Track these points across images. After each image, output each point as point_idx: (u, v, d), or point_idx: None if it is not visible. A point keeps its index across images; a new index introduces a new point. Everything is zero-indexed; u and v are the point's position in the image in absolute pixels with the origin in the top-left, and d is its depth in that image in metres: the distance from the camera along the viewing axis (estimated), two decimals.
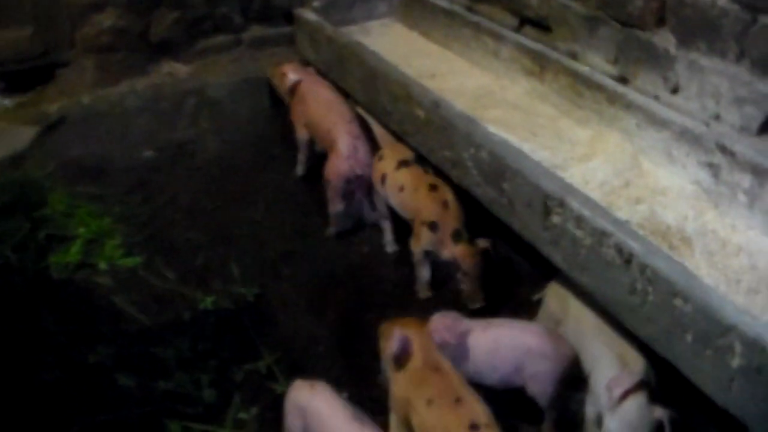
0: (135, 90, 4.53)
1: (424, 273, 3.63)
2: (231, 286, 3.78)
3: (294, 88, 4.29)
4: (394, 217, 3.93)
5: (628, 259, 2.32)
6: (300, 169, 4.47)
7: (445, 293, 3.49)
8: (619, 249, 2.34)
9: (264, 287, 3.79)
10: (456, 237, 3.38)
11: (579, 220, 2.48)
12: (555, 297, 3.08)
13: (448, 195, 3.53)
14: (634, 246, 2.30)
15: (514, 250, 3.66)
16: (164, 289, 3.76)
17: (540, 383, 2.84)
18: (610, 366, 2.67)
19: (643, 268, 2.26)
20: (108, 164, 4.49)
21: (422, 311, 3.21)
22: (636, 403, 2.50)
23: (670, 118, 2.83)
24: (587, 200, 2.51)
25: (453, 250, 3.36)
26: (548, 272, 3.19)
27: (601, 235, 2.41)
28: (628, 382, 2.52)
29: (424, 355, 2.69)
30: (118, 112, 4.52)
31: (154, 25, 4.71)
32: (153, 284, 3.78)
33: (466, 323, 2.99)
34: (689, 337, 2.16)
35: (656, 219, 2.62)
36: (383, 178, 3.79)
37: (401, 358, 2.70)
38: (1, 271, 3.74)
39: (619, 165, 2.90)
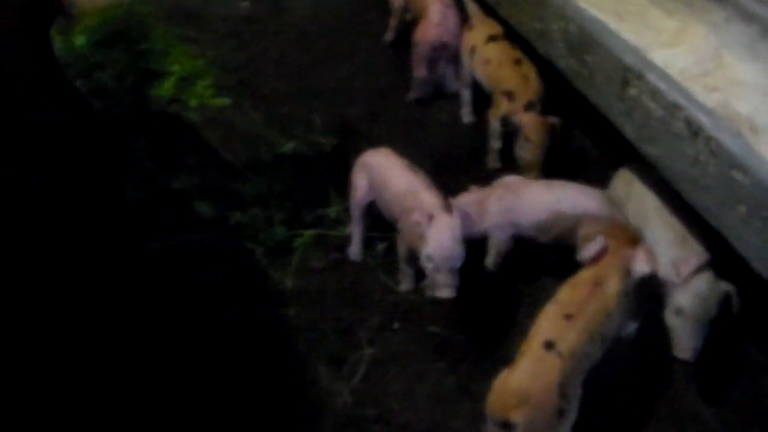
0: None
1: (496, 144, 3.77)
2: (311, 135, 3.96)
3: None
4: (475, 90, 4.05)
5: (696, 132, 2.44)
6: (390, 35, 4.57)
7: (514, 166, 3.60)
8: (689, 122, 2.46)
9: (342, 140, 3.96)
10: (528, 107, 3.51)
11: (654, 93, 2.59)
12: (621, 181, 3.22)
13: (531, 70, 3.65)
14: (703, 119, 2.42)
15: (589, 137, 3.79)
16: (248, 130, 3.97)
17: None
18: (672, 244, 2.84)
19: (708, 140, 2.38)
20: (206, 10, 4.66)
21: (489, 179, 3.38)
22: (705, 278, 2.67)
23: (761, 13, 2.87)
24: (664, 75, 2.62)
25: (522, 117, 3.49)
26: (616, 162, 3.33)
27: (673, 108, 2.52)
28: (696, 259, 2.68)
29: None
30: None
31: None
32: (238, 125, 3.99)
33: (530, 183, 3.18)
34: (743, 209, 2.29)
35: (728, 106, 2.69)
36: (472, 50, 3.90)
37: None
38: (101, 96, 3.96)
39: (701, 55, 2.96)
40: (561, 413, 2.45)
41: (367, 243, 3.43)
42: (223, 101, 4.11)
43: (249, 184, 3.66)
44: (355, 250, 3.42)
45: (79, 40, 4.15)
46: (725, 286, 2.66)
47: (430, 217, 2.82)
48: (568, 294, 2.69)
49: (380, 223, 3.36)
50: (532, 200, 3.15)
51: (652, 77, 2.62)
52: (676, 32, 3.09)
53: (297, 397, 2.86)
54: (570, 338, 2.53)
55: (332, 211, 3.58)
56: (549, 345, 2.50)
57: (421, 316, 3.19)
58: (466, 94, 4.10)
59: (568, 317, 2.57)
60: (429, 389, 2.93)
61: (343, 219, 3.53)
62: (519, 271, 3.32)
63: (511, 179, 3.28)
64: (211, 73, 4.25)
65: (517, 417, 2.43)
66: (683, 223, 2.85)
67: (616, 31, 2.99)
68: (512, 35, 3.74)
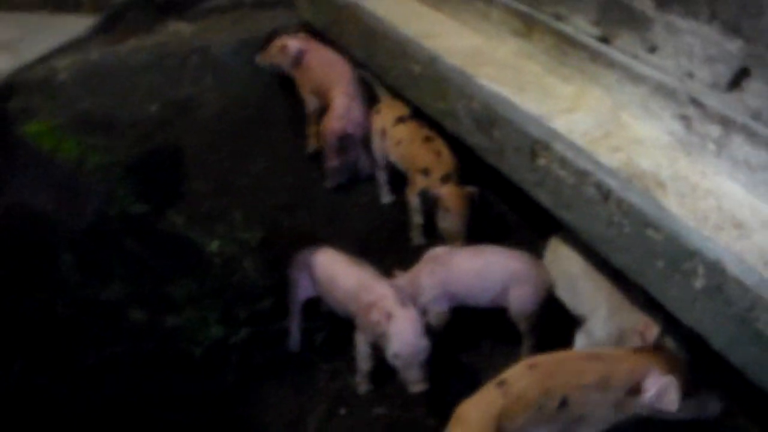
0: (142, 47, 4.68)
1: (418, 220, 3.87)
2: (235, 231, 3.99)
3: (299, 57, 4.47)
4: (391, 170, 4.16)
5: (606, 195, 2.58)
6: (311, 146, 4.61)
7: (439, 241, 3.68)
8: (598, 186, 2.60)
9: (266, 233, 4.00)
10: (444, 179, 3.63)
11: (563, 162, 2.74)
12: (551, 252, 3.35)
13: (441, 146, 3.78)
14: (611, 183, 2.57)
15: (508, 207, 3.93)
16: (172, 233, 3.96)
17: (522, 304, 3.16)
18: (606, 309, 2.97)
19: (620, 202, 2.52)
20: (116, 118, 4.65)
21: (416, 254, 3.46)
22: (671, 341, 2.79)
23: (647, 75, 3.05)
24: (570, 144, 2.77)
25: (439, 190, 3.60)
26: (536, 226, 3.46)
27: (582, 174, 2.67)
28: (656, 324, 2.78)
29: None
30: (125, 68, 4.67)
31: None
32: (161, 229, 3.97)
33: (457, 252, 3.28)
34: (660, 263, 2.43)
35: (633, 165, 2.85)
36: (383, 132, 4.03)
37: None
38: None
39: (600, 117, 3.13)
40: None
41: (305, 334, 3.47)
42: (143, 207, 4.09)
43: (179, 286, 3.66)
44: (293, 342, 3.45)
45: None
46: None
47: (389, 316, 2.87)
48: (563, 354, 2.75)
49: (315, 313, 3.45)
50: (462, 268, 3.26)
51: (558, 146, 2.77)
52: (573, 97, 3.26)
53: None
54: (522, 382, 2.57)
55: (265, 305, 3.60)
56: (500, 383, 2.57)
57: (367, 400, 3.22)
58: (382, 176, 4.21)
59: (530, 367, 2.62)
60: None
61: (276, 312, 3.54)
62: (458, 341, 3.39)
63: (438, 251, 3.38)
64: (128, 180, 4.24)
65: None
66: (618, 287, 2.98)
67: (519, 103, 3.15)
68: (421, 114, 3.86)
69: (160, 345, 3.41)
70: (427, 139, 3.83)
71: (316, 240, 3.79)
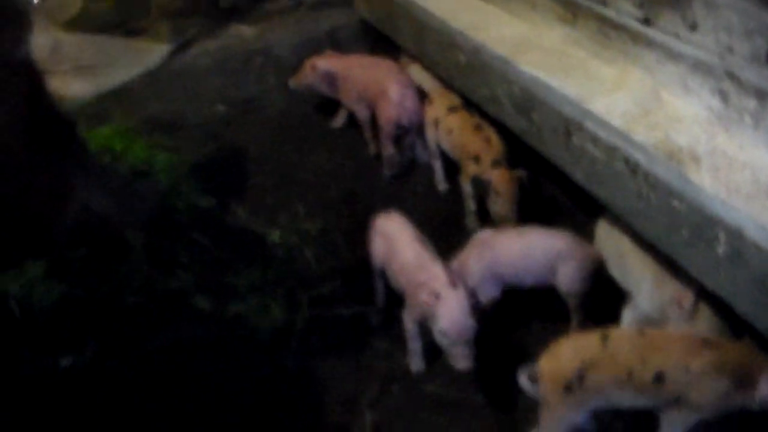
0: (207, 51, 4.89)
1: (472, 206, 3.96)
2: (296, 222, 4.14)
3: (330, 75, 4.63)
4: (445, 159, 4.26)
5: (633, 169, 2.63)
6: (373, 148, 4.73)
7: (492, 225, 3.75)
8: (627, 161, 2.66)
9: (326, 223, 4.15)
10: (495, 164, 3.72)
11: (595, 139, 2.80)
12: (601, 233, 3.41)
13: (491, 133, 3.88)
14: (639, 157, 2.62)
15: (561, 190, 3.99)
16: (236, 225, 4.14)
17: (568, 282, 3.23)
18: (652, 283, 3.02)
19: (647, 175, 2.58)
20: (183, 119, 4.88)
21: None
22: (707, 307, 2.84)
23: (687, 53, 3.08)
24: (601, 122, 2.83)
25: (490, 173, 3.69)
26: (587, 210, 3.52)
27: (612, 150, 2.73)
28: (693, 292, 2.83)
29: None
30: (191, 72, 4.89)
31: None
32: (226, 221, 4.16)
33: (502, 233, 3.39)
34: (685, 232, 2.48)
35: (670, 142, 2.88)
36: (436, 122, 4.14)
37: None
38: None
39: (640, 97, 3.16)
40: (569, 388, 2.65)
41: (361, 318, 3.60)
42: (209, 201, 4.28)
43: (242, 275, 3.81)
44: (380, 300, 3.62)
45: None
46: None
47: (437, 296, 2.97)
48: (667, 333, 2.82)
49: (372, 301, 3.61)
50: (507, 250, 3.35)
51: (590, 125, 2.84)
52: (615, 78, 3.30)
53: None
54: (623, 344, 2.67)
55: (324, 291, 3.73)
56: (605, 336, 2.69)
57: (418, 378, 3.33)
58: (437, 165, 4.32)
59: (642, 334, 2.72)
60: None
61: (336, 296, 3.69)
62: (506, 323, 3.48)
63: (485, 234, 3.47)
64: (195, 176, 4.43)
65: (542, 361, 2.72)
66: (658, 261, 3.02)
67: (562, 87, 3.21)
68: (469, 104, 3.96)
69: (224, 330, 3.57)
70: (477, 127, 3.94)
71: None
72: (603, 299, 3.31)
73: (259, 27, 5.13)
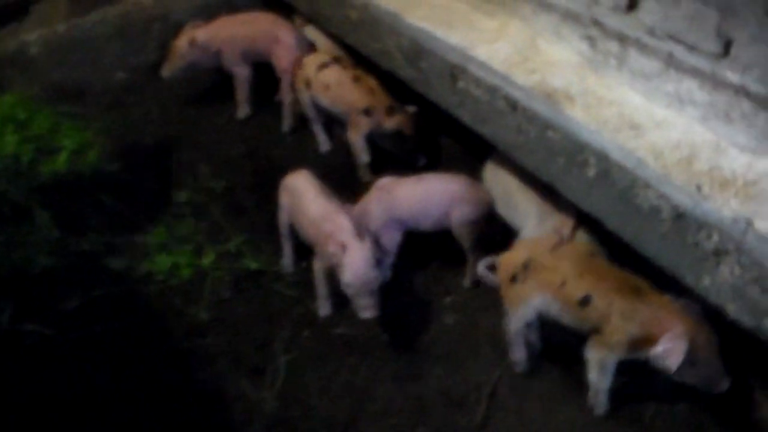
0: (106, 18, 4.91)
1: (365, 158, 4.14)
2: (202, 181, 4.27)
3: (211, 45, 4.68)
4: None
5: (513, 106, 2.89)
6: (243, 110, 4.87)
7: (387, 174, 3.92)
8: (507, 99, 2.91)
9: (231, 181, 4.30)
10: (390, 111, 3.94)
11: (477, 81, 3.05)
12: (488, 174, 3.67)
13: (372, 82, 4.07)
14: (517, 94, 2.88)
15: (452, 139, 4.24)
16: (143, 187, 4.23)
17: (464, 224, 3.44)
18: (536, 216, 3.28)
19: (525, 110, 2.84)
20: (86, 86, 4.91)
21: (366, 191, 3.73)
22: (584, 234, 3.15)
23: (558, 3, 3.33)
24: (482, 65, 3.08)
25: (393, 122, 3.92)
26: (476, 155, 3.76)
27: (493, 90, 2.98)
28: (571, 219, 3.14)
29: None
30: (91, 39, 4.92)
31: None
32: (132, 183, 4.25)
33: (401, 180, 3.58)
34: (561, 160, 2.74)
35: (546, 84, 3.14)
36: (307, 83, 4.27)
37: None
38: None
39: (519, 45, 3.41)
40: (513, 277, 2.96)
41: (269, 269, 3.78)
42: (115, 165, 4.36)
43: (151, 234, 3.94)
44: (287, 263, 3.76)
45: None
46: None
47: (344, 247, 3.14)
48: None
49: (279, 253, 3.77)
50: (406, 194, 3.55)
51: (473, 68, 3.08)
52: (496, 30, 3.55)
53: (226, 411, 3.15)
54: (569, 254, 2.94)
55: (232, 246, 3.88)
56: (559, 242, 3.03)
57: (327, 322, 3.53)
58: (316, 127, 4.48)
59: (592, 256, 2.99)
60: (344, 382, 3.26)
61: (243, 251, 3.85)
62: (408, 265, 3.70)
63: (384, 181, 3.66)
64: (99, 142, 4.49)
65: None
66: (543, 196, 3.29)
67: (447, 37, 3.44)
68: (361, 58, 4.14)
69: (136, 288, 3.70)
70: (356, 79, 4.11)
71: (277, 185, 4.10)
72: (494, 239, 3.55)
73: None
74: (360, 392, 3.22)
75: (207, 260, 3.82)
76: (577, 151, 2.66)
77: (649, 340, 2.67)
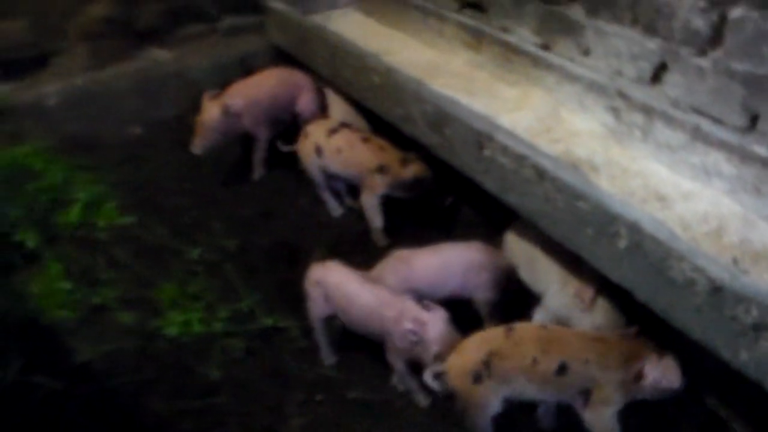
0: (123, 73, 4.96)
1: (378, 222, 4.15)
2: (215, 239, 4.25)
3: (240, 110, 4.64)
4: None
5: (541, 175, 2.91)
6: (258, 171, 4.89)
7: (402, 239, 3.98)
8: (535, 167, 2.94)
9: (244, 240, 4.28)
10: (404, 162, 3.98)
11: (504, 150, 3.07)
12: (509, 244, 3.66)
13: (380, 141, 4.11)
14: (546, 163, 2.90)
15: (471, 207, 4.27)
16: (156, 243, 4.21)
17: (483, 291, 3.43)
18: (558, 282, 3.28)
19: (553, 180, 2.85)
20: (101, 140, 4.92)
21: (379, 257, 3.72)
22: (604, 301, 3.11)
23: (582, 74, 3.40)
24: (510, 134, 3.11)
25: (410, 171, 3.96)
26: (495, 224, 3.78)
27: (521, 158, 3.00)
28: (593, 286, 3.10)
29: None
30: (109, 93, 4.95)
31: (141, 15, 5.13)
32: (146, 239, 4.23)
33: (418, 251, 3.56)
34: (590, 230, 2.75)
35: (571, 154, 3.19)
36: (318, 150, 4.27)
37: None
38: (13, 227, 4.17)
39: (542, 114, 3.47)
40: (477, 378, 2.83)
41: (281, 330, 3.74)
42: (129, 219, 4.36)
43: (163, 290, 3.90)
44: (326, 356, 3.61)
45: None
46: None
47: (421, 322, 3.07)
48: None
49: (292, 313, 3.75)
50: (423, 265, 3.52)
51: (500, 137, 3.11)
52: (518, 98, 3.60)
53: None
54: (528, 334, 2.90)
55: (244, 306, 3.85)
56: (509, 328, 2.91)
57: (341, 386, 3.48)
58: (326, 194, 4.47)
59: (544, 328, 2.97)
60: None
61: (255, 311, 3.82)
62: None
63: (400, 252, 3.63)
64: (114, 195, 4.49)
65: (449, 357, 2.91)
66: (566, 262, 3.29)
67: (467, 104, 3.48)
68: (383, 123, 4.18)
69: (146, 343, 3.65)
70: (366, 140, 4.15)
71: (291, 247, 4.11)
72: (515, 305, 3.53)
73: (174, 51, 5.21)
74: None
75: (219, 318, 3.78)
76: (608, 222, 2.67)
77: (637, 377, 2.76)
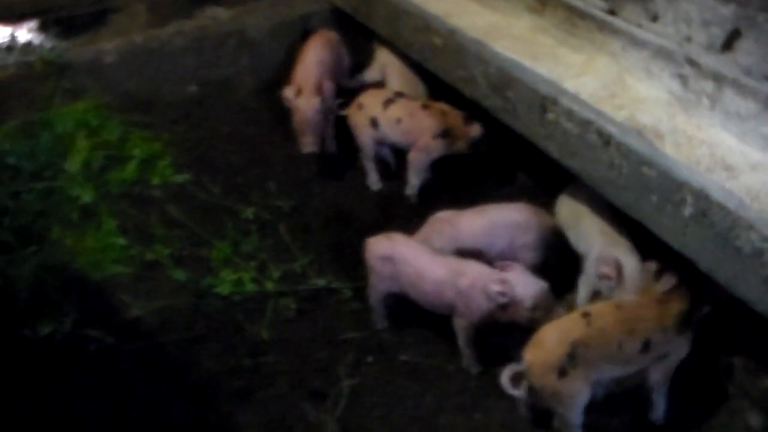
0: (182, 31, 4.95)
1: (419, 181, 4.24)
2: (269, 199, 4.27)
3: None
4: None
5: (607, 140, 2.84)
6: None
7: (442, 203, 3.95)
8: (600, 133, 2.87)
9: (299, 201, 4.28)
10: (466, 121, 4.01)
11: (569, 114, 3.01)
12: (561, 207, 3.64)
13: (441, 105, 4.11)
14: (612, 129, 2.83)
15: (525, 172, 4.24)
16: (210, 201, 4.25)
17: (528, 251, 3.42)
18: (601, 248, 3.23)
19: (619, 146, 2.78)
20: (157, 98, 4.93)
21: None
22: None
23: (649, 40, 3.29)
24: (575, 97, 3.04)
25: (475, 130, 4.04)
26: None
27: (586, 123, 2.93)
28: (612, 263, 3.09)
29: None
30: (166, 51, 4.95)
31: None
32: (200, 197, 4.27)
33: (463, 212, 3.55)
34: (654, 197, 2.68)
35: (635, 120, 3.08)
36: (374, 122, 4.23)
37: None
38: (69, 186, 4.21)
39: (606, 80, 3.36)
40: (562, 371, 2.75)
41: (333, 292, 3.74)
42: (183, 177, 4.39)
43: (216, 249, 3.92)
44: (379, 318, 3.59)
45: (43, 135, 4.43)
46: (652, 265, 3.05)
47: (504, 282, 3.06)
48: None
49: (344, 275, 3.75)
50: (469, 226, 3.52)
51: (565, 101, 3.04)
52: (582, 64, 3.50)
53: None
54: (607, 318, 2.84)
55: (297, 266, 3.86)
56: (586, 314, 2.85)
57: (392, 349, 3.48)
58: (370, 165, 4.43)
59: (619, 307, 2.91)
60: (408, 411, 3.20)
61: (307, 272, 3.83)
62: None
63: (443, 214, 3.62)
64: (168, 153, 4.52)
65: (527, 355, 2.80)
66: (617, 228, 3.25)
67: (531, 67, 3.41)
68: (443, 85, 4.12)
69: (197, 301, 3.69)
70: (426, 107, 4.14)
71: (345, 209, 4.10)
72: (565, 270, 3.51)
73: (233, 10, 5.18)
74: (423, 422, 3.15)
75: (271, 278, 3.80)
76: (673, 189, 2.60)
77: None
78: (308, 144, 4.32)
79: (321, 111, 4.33)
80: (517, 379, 2.94)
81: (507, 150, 4.06)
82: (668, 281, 2.93)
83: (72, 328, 3.48)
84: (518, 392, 2.94)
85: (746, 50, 2.94)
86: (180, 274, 3.80)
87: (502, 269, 3.13)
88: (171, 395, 3.23)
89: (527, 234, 3.47)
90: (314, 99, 4.32)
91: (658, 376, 2.94)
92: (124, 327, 3.51)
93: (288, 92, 4.38)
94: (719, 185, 2.52)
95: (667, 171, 2.62)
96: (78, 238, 3.93)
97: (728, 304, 2.71)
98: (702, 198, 2.51)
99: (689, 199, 2.55)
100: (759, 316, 2.43)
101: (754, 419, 3.02)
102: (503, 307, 3.07)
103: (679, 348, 2.91)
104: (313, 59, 4.55)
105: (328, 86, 4.44)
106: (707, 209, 2.49)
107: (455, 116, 4.06)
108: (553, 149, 3.18)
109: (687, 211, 2.56)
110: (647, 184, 2.70)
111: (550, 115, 3.12)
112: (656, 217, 2.71)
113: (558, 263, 3.52)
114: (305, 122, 4.29)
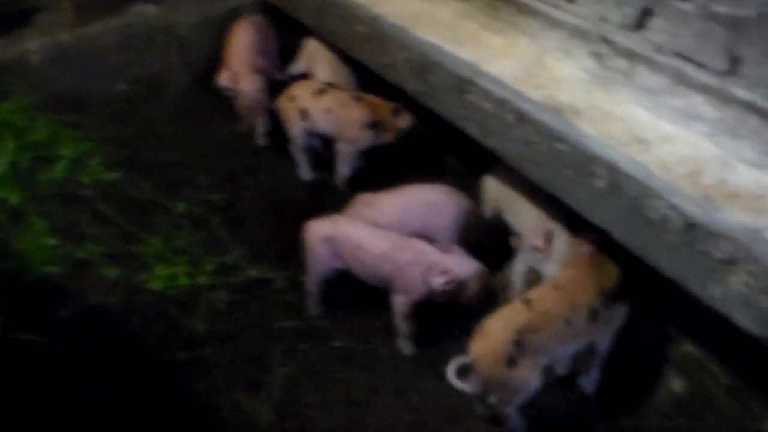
0: (109, 29, 4.90)
1: (349, 170, 4.29)
2: (201, 194, 4.24)
3: None
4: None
5: (522, 118, 2.89)
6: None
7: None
8: (516, 112, 2.91)
9: (231, 194, 4.27)
10: (396, 112, 4.06)
11: (486, 94, 3.05)
12: (486, 187, 3.68)
13: (372, 97, 4.13)
14: (526, 107, 2.88)
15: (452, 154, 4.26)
16: (141, 198, 4.20)
17: (444, 232, 3.48)
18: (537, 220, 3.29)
19: (534, 123, 2.83)
20: (87, 96, 4.87)
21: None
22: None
23: (566, 20, 3.36)
24: (492, 78, 3.08)
25: (404, 121, 4.09)
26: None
27: (502, 103, 2.98)
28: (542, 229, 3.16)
29: None
30: (94, 49, 4.89)
31: None
32: (131, 194, 4.22)
33: (382, 194, 3.60)
34: (569, 172, 2.74)
35: (553, 99, 3.14)
36: (304, 113, 4.24)
37: None
38: None
39: (526, 62, 3.41)
40: (511, 361, 2.75)
41: (267, 282, 3.75)
42: (115, 175, 4.34)
43: (148, 245, 3.90)
44: (313, 305, 3.62)
45: None
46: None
47: (448, 270, 3.14)
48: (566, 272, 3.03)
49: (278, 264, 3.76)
50: (387, 208, 3.56)
51: (482, 81, 3.08)
52: (504, 47, 3.55)
53: (222, 424, 3.11)
54: (548, 299, 2.86)
55: (230, 259, 3.86)
56: (526, 300, 2.85)
57: (325, 335, 3.50)
58: (301, 156, 4.44)
59: (557, 288, 2.92)
60: (342, 395, 3.24)
61: (240, 264, 3.82)
62: None
63: (364, 196, 3.67)
64: (99, 152, 4.47)
65: (473, 347, 2.79)
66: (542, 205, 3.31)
67: (452, 51, 3.45)
68: (368, 72, 4.14)
69: (132, 298, 3.66)
70: (357, 99, 4.17)
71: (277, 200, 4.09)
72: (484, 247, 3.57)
73: (161, 6, 5.13)
74: (359, 405, 3.19)
75: (204, 272, 3.78)
76: (586, 162, 2.65)
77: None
78: (261, 124, 4.50)
79: (265, 89, 4.46)
80: (463, 372, 2.97)
81: (439, 136, 4.06)
82: (586, 244, 2.99)
83: (1, 331, 3.41)
84: (466, 386, 2.95)
85: (657, 28, 3.01)
86: (112, 272, 3.76)
87: (442, 251, 3.20)
88: (106, 393, 3.20)
89: (442, 214, 3.52)
90: (256, 77, 4.44)
91: (605, 343, 3.00)
92: (57, 327, 3.45)
93: (223, 79, 4.44)
94: (630, 158, 2.58)
95: (579, 145, 2.68)
96: (6, 241, 3.85)
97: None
98: (613, 170, 2.57)
99: (601, 171, 2.61)
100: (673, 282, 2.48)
101: (677, 384, 3.09)
102: (453, 291, 3.16)
103: (621, 308, 2.97)
104: (243, 42, 4.61)
105: (263, 65, 4.53)
106: (618, 181, 2.55)
107: (385, 108, 4.09)
108: (472, 129, 3.22)
109: (600, 183, 2.62)
110: (561, 159, 2.75)
111: (468, 96, 3.16)
112: (571, 191, 2.77)
113: (481, 243, 3.56)
114: (252, 103, 4.43)
